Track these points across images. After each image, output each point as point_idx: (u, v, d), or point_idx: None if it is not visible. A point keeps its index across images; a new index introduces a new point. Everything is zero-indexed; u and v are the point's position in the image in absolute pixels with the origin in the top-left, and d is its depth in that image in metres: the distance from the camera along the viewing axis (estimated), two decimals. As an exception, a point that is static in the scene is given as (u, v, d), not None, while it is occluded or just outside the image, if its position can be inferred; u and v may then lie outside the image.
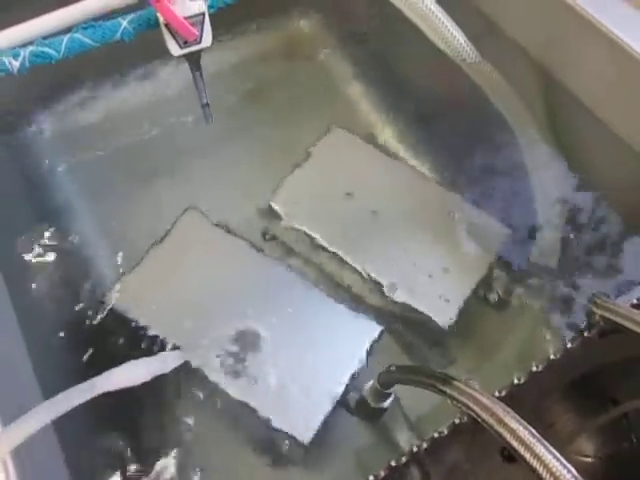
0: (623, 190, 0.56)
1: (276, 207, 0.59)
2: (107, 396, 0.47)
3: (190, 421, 0.49)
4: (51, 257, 0.55)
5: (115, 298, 0.53)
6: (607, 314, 0.47)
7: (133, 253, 0.56)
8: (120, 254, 0.56)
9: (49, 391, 0.37)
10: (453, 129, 0.63)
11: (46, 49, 0.40)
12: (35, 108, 0.65)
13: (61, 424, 0.39)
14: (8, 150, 0.63)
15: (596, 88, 0.56)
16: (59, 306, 0.53)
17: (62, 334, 0.51)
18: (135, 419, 0.49)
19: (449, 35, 0.54)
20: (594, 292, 0.50)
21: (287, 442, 0.48)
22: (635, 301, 0.49)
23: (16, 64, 0.40)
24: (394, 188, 0.61)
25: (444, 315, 0.53)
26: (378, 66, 0.70)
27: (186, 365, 0.50)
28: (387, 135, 0.65)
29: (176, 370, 0.50)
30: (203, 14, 0.43)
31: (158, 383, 0.49)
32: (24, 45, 0.40)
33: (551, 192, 0.57)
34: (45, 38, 0.41)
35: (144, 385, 0.48)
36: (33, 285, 0.53)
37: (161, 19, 0.41)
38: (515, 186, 0.59)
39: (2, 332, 0.42)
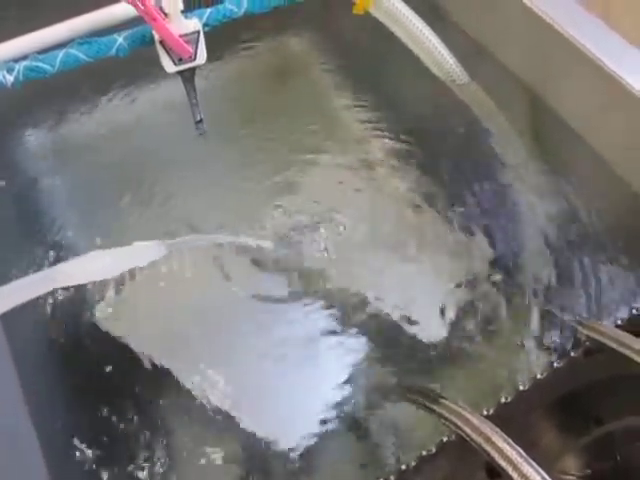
0: (609, 212, 0.57)
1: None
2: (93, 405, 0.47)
3: (173, 437, 0.49)
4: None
5: (102, 315, 0.53)
6: (592, 334, 0.48)
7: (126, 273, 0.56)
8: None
9: (35, 406, 0.37)
10: (442, 147, 0.64)
11: (40, 64, 0.41)
12: (27, 122, 0.65)
13: (43, 430, 0.38)
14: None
15: (582, 112, 0.58)
16: (48, 322, 0.53)
17: (49, 350, 0.51)
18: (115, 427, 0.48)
19: (440, 57, 0.55)
20: (580, 312, 0.51)
21: (274, 459, 0.48)
22: (619, 322, 0.50)
23: (10, 78, 0.40)
24: (384, 207, 0.61)
25: (431, 332, 0.53)
26: (370, 85, 0.70)
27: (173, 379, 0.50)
28: (377, 153, 0.66)
29: (159, 380, 0.50)
30: (198, 32, 0.43)
31: (140, 394, 0.49)
32: (19, 59, 0.40)
33: (538, 212, 0.58)
34: (40, 53, 0.41)
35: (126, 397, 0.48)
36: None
37: (156, 36, 0.42)
38: (502, 206, 0.59)
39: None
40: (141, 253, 0.40)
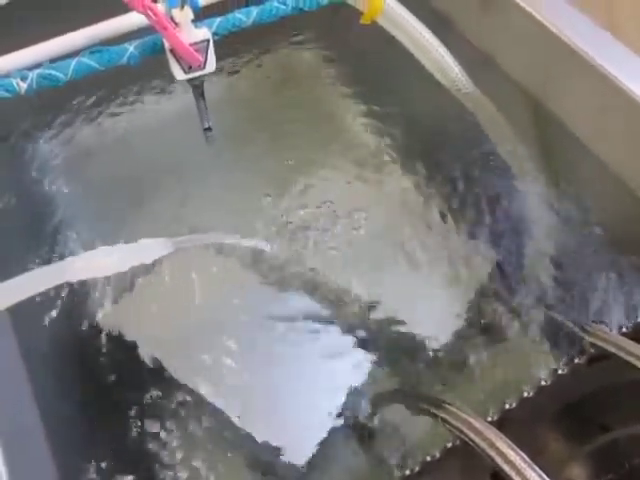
0: (613, 219, 0.57)
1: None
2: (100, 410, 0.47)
3: (182, 442, 0.49)
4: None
5: (110, 319, 0.53)
6: (597, 341, 0.48)
7: (131, 275, 0.56)
8: (117, 276, 0.57)
9: (46, 408, 0.38)
10: (447, 154, 0.64)
11: (53, 72, 0.41)
12: (38, 129, 0.66)
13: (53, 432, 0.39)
14: (8, 171, 0.64)
15: (585, 119, 0.58)
16: (55, 325, 0.53)
17: (58, 353, 0.51)
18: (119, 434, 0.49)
19: (445, 65, 0.55)
20: (585, 319, 0.51)
21: (281, 464, 0.48)
22: (624, 329, 0.50)
23: (24, 85, 0.41)
24: (387, 213, 0.62)
25: (436, 339, 0.53)
26: (376, 92, 0.71)
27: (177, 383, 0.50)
28: (382, 159, 0.66)
29: (165, 386, 0.50)
30: (208, 41, 0.44)
31: (143, 397, 0.50)
32: (32, 67, 0.41)
33: (542, 221, 0.58)
34: (53, 61, 0.41)
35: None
36: (31, 303, 0.53)
37: (167, 45, 0.43)
38: (506, 212, 0.60)
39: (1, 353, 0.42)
40: (147, 250, 0.41)
